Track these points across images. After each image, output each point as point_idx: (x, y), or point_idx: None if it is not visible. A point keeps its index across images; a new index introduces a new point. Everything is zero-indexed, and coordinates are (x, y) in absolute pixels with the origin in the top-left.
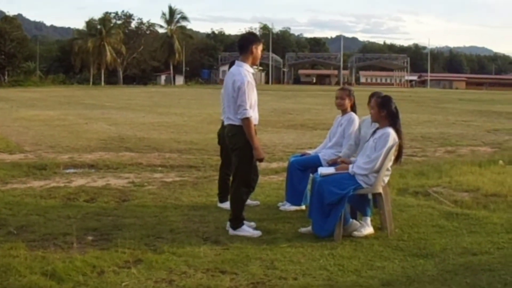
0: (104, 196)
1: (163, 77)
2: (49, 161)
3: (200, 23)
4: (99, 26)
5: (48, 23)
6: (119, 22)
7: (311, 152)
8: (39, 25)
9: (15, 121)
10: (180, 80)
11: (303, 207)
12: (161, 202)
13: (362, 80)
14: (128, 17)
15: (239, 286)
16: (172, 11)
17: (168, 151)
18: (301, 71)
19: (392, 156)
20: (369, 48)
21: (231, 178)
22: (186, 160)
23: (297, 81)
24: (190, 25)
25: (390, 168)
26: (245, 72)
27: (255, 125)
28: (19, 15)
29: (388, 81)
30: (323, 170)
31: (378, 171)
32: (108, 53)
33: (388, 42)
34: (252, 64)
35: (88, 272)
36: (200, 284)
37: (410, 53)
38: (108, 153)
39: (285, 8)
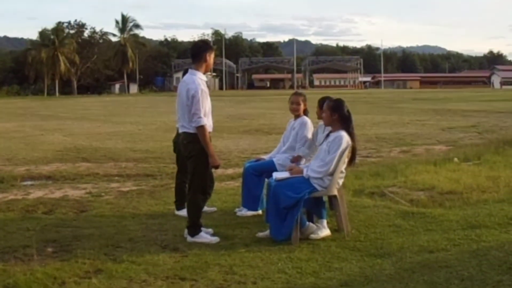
0: (63, 208)
1: (117, 86)
2: (6, 174)
3: (153, 31)
4: (52, 36)
5: (1, 34)
6: (72, 31)
7: (266, 157)
8: None
9: None
10: (134, 88)
11: (260, 211)
12: (119, 211)
13: (316, 83)
14: (81, 27)
15: None
16: (125, 19)
17: (124, 160)
18: (255, 76)
19: (345, 159)
20: (322, 51)
21: (187, 185)
22: (142, 169)
23: (251, 86)
24: (142, 33)
25: (344, 170)
26: (199, 81)
27: (209, 132)
28: None
29: (342, 83)
30: (277, 175)
31: (332, 174)
32: (62, 63)
33: (341, 44)
34: (205, 72)
35: (49, 284)
36: None
37: (363, 54)
38: (64, 164)
39: (236, 14)
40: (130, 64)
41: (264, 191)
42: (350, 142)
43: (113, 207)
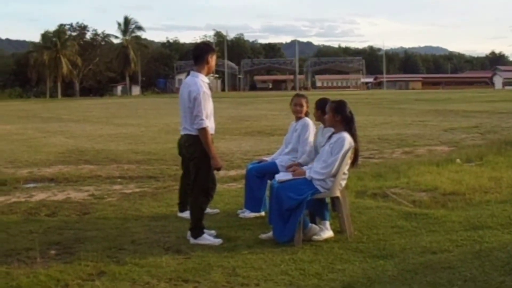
0: (65, 210)
1: (119, 88)
2: (9, 176)
3: (155, 32)
4: (54, 39)
5: (3, 37)
6: (74, 33)
7: (268, 158)
8: None
9: None
10: (136, 90)
11: (263, 213)
12: (121, 213)
13: (318, 84)
14: (83, 29)
15: None
16: (127, 21)
17: (127, 163)
18: (257, 77)
19: (348, 160)
20: (324, 52)
21: (190, 187)
22: (145, 171)
23: (253, 87)
24: (144, 35)
25: (347, 172)
26: (200, 83)
27: (211, 134)
28: None
29: (344, 84)
30: (280, 177)
31: (335, 175)
32: (64, 65)
33: (343, 45)
34: (207, 74)
35: (52, 286)
36: None
37: (365, 55)
38: (67, 167)
39: (238, 15)
40: (132, 66)
41: (267, 192)
42: (352, 144)
43: (116, 209)
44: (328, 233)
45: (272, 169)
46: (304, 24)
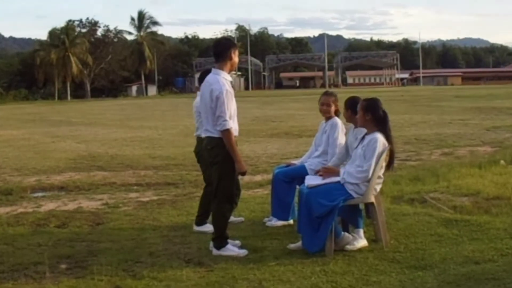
0: (77, 220)
1: (134, 88)
2: (15, 185)
3: (171, 28)
4: (62, 36)
5: (6, 35)
6: (83, 30)
7: (297, 162)
8: None
9: None
10: (152, 90)
11: (291, 221)
12: (138, 223)
13: (349, 81)
14: (94, 25)
15: None
16: (141, 16)
17: (143, 168)
18: (283, 74)
19: (383, 163)
20: (355, 46)
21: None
22: (163, 177)
23: (279, 85)
24: (161, 30)
25: (382, 176)
26: (223, 81)
27: (235, 136)
28: None
29: (378, 80)
30: (310, 181)
31: (369, 180)
32: (74, 65)
33: (376, 38)
34: (230, 71)
35: None
36: None
37: (400, 49)
38: (78, 174)
39: (261, 7)
40: (148, 64)
41: (296, 199)
42: (387, 145)
43: (132, 219)
44: (362, 242)
45: (301, 174)
46: (333, 16)
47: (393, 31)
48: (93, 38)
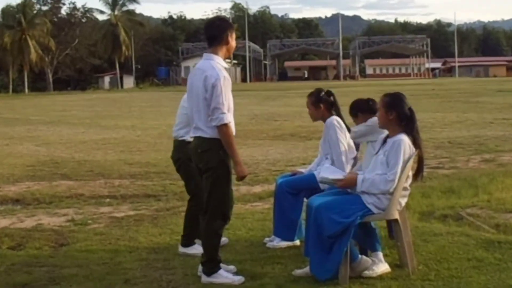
0: (35, 241)
1: (106, 79)
2: None
3: (152, 6)
4: (18, 15)
5: None
6: (44, 8)
7: (304, 170)
8: None
9: None
10: (129, 82)
11: (297, 242)
12: (111, 244)
13: (369, 71)
14: (56, 2)
15: None
16: None
17: (118, 177)
18: (288, 64)
19: (409, 171)
20: (376, 29)
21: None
22: (141, 188)
23: (283, 76)
24: (140, 9)
25: (408, 187)
26: (219, 66)
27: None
28: None
29: (403, 71)
30: (325, 173)
31: (393, 192)
32: (32, 50)
33: (401, 19)
34: (225, 57)
35: None
36: None
37: (431, 32)
38: (38, 183)
39: None
40: (124, 50)
41: (303, 214)
42: (414, 149)
43: (104, 239)
44: (382, 267)
45: (309, 184)
46: None
47: (422, 10)
48: (56, 17)
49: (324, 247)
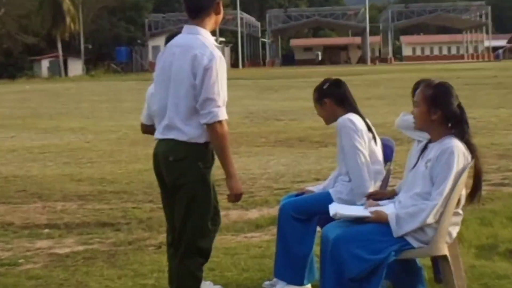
0: None
1: (45, 64)
2: None
3: None
4: None
5: None
6: None
7: (315, 188)
8: None
9: None
10: (77, 67)
11: (308, 286)
12: None
13: (406, 52)
14: None
15: None
16: None
17: (61, 199)
18: (295, 42)
19: (462, 190)
20: None
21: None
22: (94, 214)
23: (288, 59)
24: None
25: (461, 211)
26: (211, 44)
27: None
28: None
29: (453, 51)
30: (339, 209)
31: (439, 219)
32: None
33: None
34: (212, 30)
35: None
36: None
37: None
38: None
39: None
40: (68, 23)
41: (316, 248)
42: (469, 159)
43: (41, 285)
44: None
45: (323, 206)
46: None
47: None
48: None
49: None
